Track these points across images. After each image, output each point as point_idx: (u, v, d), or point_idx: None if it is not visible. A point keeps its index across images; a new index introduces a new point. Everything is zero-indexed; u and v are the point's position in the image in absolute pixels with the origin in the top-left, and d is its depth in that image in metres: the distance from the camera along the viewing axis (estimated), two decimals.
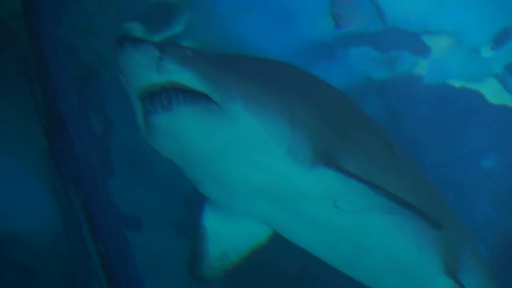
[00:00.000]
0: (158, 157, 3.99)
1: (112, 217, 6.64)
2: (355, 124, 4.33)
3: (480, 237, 8.87)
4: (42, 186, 6.89)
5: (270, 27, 7.96)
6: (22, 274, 6.92)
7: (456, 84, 8.84)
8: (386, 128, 4.87)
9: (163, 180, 7.68)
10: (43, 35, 6.18)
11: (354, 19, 8.20)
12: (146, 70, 3.39)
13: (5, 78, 6.64)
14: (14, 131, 6.62)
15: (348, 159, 3.97)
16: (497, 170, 9.43)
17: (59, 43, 6.27)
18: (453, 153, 9.64)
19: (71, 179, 6.50)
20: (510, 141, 9.38)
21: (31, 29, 6.11)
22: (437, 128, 9.26)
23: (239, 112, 3.48)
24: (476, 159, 9.58)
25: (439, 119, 9.21)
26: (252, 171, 3.73)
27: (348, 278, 4.82)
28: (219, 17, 7.55)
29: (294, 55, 7.77)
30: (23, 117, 6.47)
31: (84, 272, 6.86)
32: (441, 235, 4.56)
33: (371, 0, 7.88)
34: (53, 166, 6.49)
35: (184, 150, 3.64)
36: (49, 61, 6.16)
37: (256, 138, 3.59)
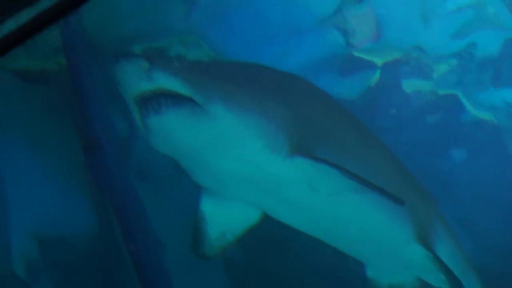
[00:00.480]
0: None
1: (142, 220, 6.78)
2: (328, 115, 4.51)
3: None
4: (82, 195, 7.09)
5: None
6: (67, 272, 7.11)
7: None
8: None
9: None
10: (80, 69, 6.34)
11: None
12: (138, 79, 3.53)
13: (51, 104, 6.90)
14: (60, 149, 6.87)
15: (321, 146, 4.13)
16: None
17: (94, 75, 6.45)
18: None
19: (105, 189, 6.75)
20: None
21: (70, 64, 6.31)
22: None
23: (219, 112, 3.66)
24: None
25: None
26: (235, 163, 3.91)
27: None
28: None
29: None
30: (66, 137, 6.74)
31: (118, 269, 7.07)
32: (410, 208, 4.72)
33: None
34: (90, 178, 6.79)
35: (175, 147, 3.83)
36: (85, 90, 6.31)
37: (236, 133, 3.77)
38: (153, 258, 6.82)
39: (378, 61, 8.76)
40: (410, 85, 9.19)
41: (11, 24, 1.42)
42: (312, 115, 4.32)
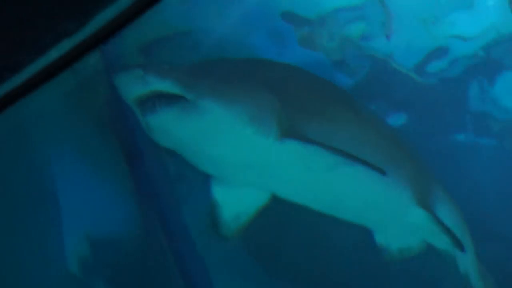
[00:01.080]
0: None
1: (181, 221, 6.80)
2: (320, 97, 4.44)
3: None
4: (128, 200, 7.13)
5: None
6: (116, 269, 7.12)
7: None
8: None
9: None
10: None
11: None
12: (135, 85, 3.64)
13: (97, 120, 6.94)
14: (106, 159, 6.96)
15: (312, 127, 4.06)
16: None
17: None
18: None
19: (148, 195, 6.83)
20: None
21: (111, 84, 6.52)
22: None
23: (208, 106, 3.69)
24: None
25: None
26: (229, 150, 3.90)
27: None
28: None
29: None
30: (111, 148, 6.83)
31: (161, 266, 7.05)
32: (408, 175, 4.67)
33: None
34: (134, 185, 6.83)
35: (173, 141, 3.87)
36: (126, 107, 6.29)
37: (225, 123, 3.77)
38: (192, 255, 6.83)
39: None
40: None
41: (54, 54, 1.38)
42: (303, 98, 4.26)
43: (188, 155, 4.14)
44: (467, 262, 5.59)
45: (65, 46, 1.39)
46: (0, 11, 1.24)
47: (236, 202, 4.61)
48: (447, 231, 4.78)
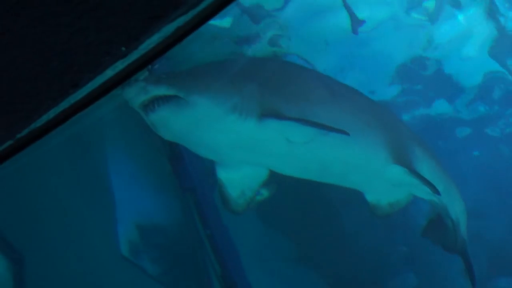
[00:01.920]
0: None
1: (214, 211, 6.79)
2: (297, 82, 4.38)
3: None
4: (171, 194, 7.14)
5: None
6: (160, 252, 7.18)
7: None
8: None
9: None
10: None
11: None
12: (138, 94, 3.76)
13: (144, 127, 6.90)
14: (153, 160, 6.95)
15: (289, 107, 4.02)
16: None
17: None
18: None
19: (187, 189, 6.87)
20: None
21: None
22: None
23: (197, 100, 3.75)
24: None
25: None
26: (220, 135, 3.93)
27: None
28: None
29: None
30: (157, 150, 6.83)
31: (199, 249, 7.08)
32: (382, 138, 4.55)
33: None
34: (176, 181, 6.86)
35: (173, 133, 3.95)
36: None
37: (213, 112, 3.80)
38: (224, 240, 6.85)
39: None
40: None
41: (109, 73, 1.41)
42: (281, 84, 4.22)
43: (188, 144, 4.20)
44: (457, 210, 5.46)
45: (119, 66, 1.41)
46: (68, 39, 1.28)
47: (239, 180, 4.57)
48: (425, 181, 4.65)
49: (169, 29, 1.25)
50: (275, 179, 4.63)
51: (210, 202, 6.83)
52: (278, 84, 4.24)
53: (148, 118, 3.87)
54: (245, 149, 4.16)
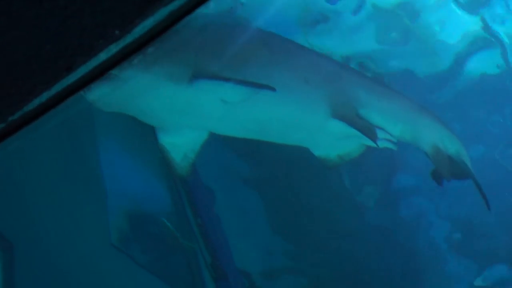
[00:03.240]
0: None
1: (206, 200, 6.91)
2: (234, 40, 4.30)
3: None
4: (161, 183, 7.18)
5: None
6: (150, 240, 7.18)
7: None
8: None
9: None
10: None
11: None
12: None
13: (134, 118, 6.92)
14: (145, 150, 6.96)
15: (224, 67, 3.99)
16: None
17: None
18: None
19: (177, 179, 6.75)
20: None
21: None
22: None
23: (130, 74, 3.72)
24: None
25: None
26: (158, 102, 4.00)
27: None
28: None
29: None
30: (148, 138, 6.48)
31: (188, 237, 7.09)
32: (321, 94, 4.50)
33: None
34: (167, 171, 6.55)
35: (116, 106, 4.10)
36: None
37: (148, 82, 3.89)
38: (214, 229, 6.93)
39: None
40: None
41: (103, 56, 1.41)
42: (218, 48, 4.15)
43: (133, 114, 4.24)
44: (445, 140, 5.41)
45: (112, 49, 1.42)
46: (63, 22, 1.28)
47: (181, 144, 4.57)
48: (365, 130, 4.60)
49: (163, 12, 1.25)
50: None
51: (201, 192, 6.94)
52: (213, 46, 4.16)
53: (87, 98, 3.83)
54: (183, 113, 4.15)
